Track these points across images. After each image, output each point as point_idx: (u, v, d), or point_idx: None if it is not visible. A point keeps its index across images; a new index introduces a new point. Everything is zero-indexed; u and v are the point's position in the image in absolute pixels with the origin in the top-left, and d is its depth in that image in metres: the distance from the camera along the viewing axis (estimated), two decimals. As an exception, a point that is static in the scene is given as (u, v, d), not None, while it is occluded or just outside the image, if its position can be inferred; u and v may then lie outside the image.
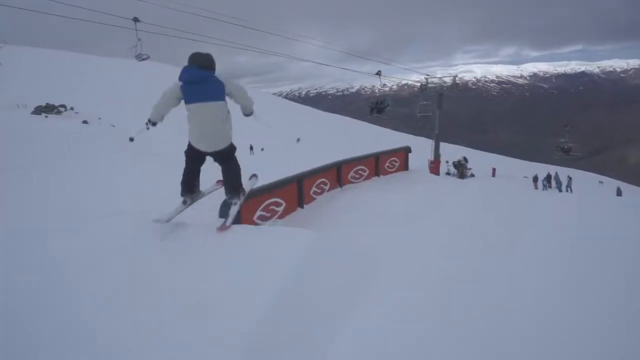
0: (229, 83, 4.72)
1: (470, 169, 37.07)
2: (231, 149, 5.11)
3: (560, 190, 32.36)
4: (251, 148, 45.22)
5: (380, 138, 67.18)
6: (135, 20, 17.07)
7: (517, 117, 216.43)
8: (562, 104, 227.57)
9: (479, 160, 43.42)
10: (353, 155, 12.74)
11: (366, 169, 12.89)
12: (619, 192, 31.02)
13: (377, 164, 13.25)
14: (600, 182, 46.25)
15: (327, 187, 10.90)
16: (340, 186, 11.55)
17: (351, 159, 12.25)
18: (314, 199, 10.22)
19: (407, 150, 14.96)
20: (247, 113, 5.20)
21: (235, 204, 5.19)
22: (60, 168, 10.64)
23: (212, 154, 4.91)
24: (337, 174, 11.58)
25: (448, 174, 37.38)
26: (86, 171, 10.51)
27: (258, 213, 7.78)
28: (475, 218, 7.50)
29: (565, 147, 36.44)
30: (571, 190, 32.80)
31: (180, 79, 4.56)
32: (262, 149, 43.69)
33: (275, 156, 38.14)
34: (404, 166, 14.77)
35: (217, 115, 4.71)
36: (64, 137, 19.89)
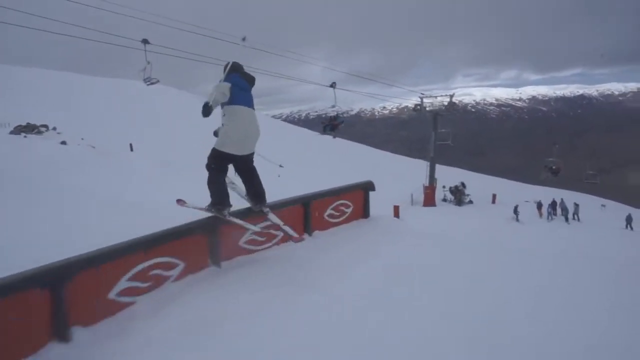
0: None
1: (468, 195, 35.82)
2: (252, 155, 5.54)
3: (566, 219, 30.78)
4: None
5: (377, 160, 66.09)
6: (145, 42, 16.14)
7: (516, 139, 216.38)
8: (560, 126, 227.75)
9: (478, 184, 42.13)
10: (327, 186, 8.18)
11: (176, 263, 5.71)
12: (629, 221, 29.52)
13: (306, 215, 6.99)
14: (603, 205, 45.57)
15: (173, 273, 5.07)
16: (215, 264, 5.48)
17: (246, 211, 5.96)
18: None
19: (366, 187, 8.45)
20: None
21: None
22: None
23: (242, 157, 5.30)
24: (209, 246, 5.46)
25: (445, 200, 36.13)
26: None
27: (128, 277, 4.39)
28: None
29: (554, 167, 34.57)
30: (579, 219, 31.21)
31: (230, 81, 5.16)
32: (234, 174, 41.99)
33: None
34: (361, 212, 8.32)
35: (257, 121, 5.39)
36: (31, 160, 18.73)
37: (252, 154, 5.42)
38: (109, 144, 36.38)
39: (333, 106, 22.35)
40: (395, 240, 7.04)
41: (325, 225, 7.30)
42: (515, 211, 30.49)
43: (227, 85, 5.09)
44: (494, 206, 35.71)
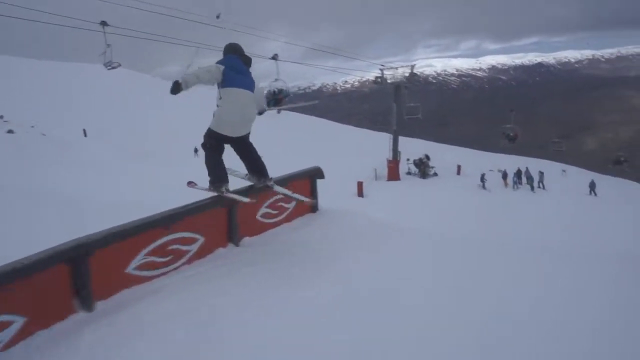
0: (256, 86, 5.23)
1: (432, 167, 35.07)
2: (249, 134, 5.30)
3: (532, 188, 30.56)
4: (196, 151, 41.96)
5: (340, 135, 64.94)
6: (103, 24, 15.66)
7: (477, 109, 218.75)
8: (520, 95, 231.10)
9: (442, 155, 41.46)
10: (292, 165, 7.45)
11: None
12: (592, 187, 29.59)
13: (230, 218, 5.31)
14: (564, 170, 46.08)
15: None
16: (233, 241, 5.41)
17: (145, 224, 4.47)
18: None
19: (313, 175, 6.73)
20: (260, 112, 5.47)
21: (272, 184, 5.47)
22: None
23: (237, 138, 5.14)
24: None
25: (409, 173, 35.28)
26: None
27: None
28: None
29: (511, 134, 33.97)
30: (544, 187, 31.09)
31: (224, 63, 5.00)
32: (196, 150, 40.42)
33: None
34: (308, 206, 6.54)
35: (253, 103, 5.17)
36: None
37: (248, 133, 5.26)
38: (63, 131, 34.85)
39: (276, 79, 21.19)
40: (352, 247, 5.30)
41: (257, 229, 5.71)
42: (482, 179, 30.14)
43: (218, 67, 4.91)
44: (459, 177, 35.16)
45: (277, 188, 5.53)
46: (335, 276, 4.46)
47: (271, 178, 5.44)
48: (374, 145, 43.68)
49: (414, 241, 5.88)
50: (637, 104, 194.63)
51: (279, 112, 25.34)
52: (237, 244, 5.32)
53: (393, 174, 33.72)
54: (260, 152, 5.40)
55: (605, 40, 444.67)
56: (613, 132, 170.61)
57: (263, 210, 5.81)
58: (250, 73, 5.17)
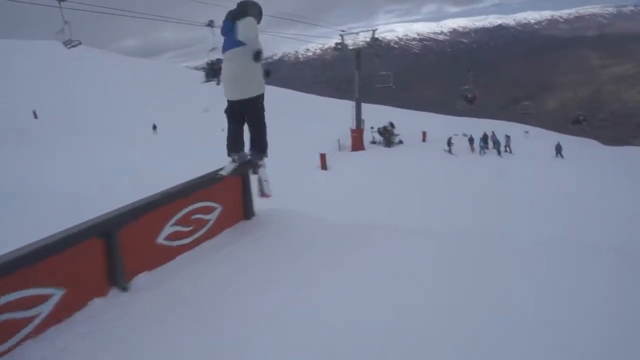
0: (237, 24, 4.60)
1: (397, 134, 34.13)
2: (255, 102, 4.89)
3: (499, 152, 30.11)
4: (154, 127, 40.12)
5: (303, 104, 63.38)
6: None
7: (440, 73, 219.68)
8: (481, 57, 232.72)
9: (407, 121, 40.65)
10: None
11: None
12: (558, 149, 29.42)
13: (111, 254, 3.70)
14: (526, 132, 46.28)
15: None
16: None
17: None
18: None
19: (244, 171, 5.21)
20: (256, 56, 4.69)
21: (262, 165, 5.20)
22: None
23: (236, 103, 4.87)
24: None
25: (374, 142, 34.27)
26: None
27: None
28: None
29: (469, 95, 33.17)
30: (510, 151, 30.70)
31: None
32: (155, 127, 38.63)
33: (180, 137, 33.42)
34: (239, 211, 5.26)
35: (236, 63, 4.74)
36: None
37: (250, 99, 4.82)
38: (9, 113, 33.26)
39: (212, 49, 19.82)
40: (298, 274, 3.95)
41: (160, 258, 4.16)
42: (449, 144, 29.57)
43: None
44: (424, 144, 34.41)
45: (263, 172, 5.20)
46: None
47: (262, 158, 5.14)
48: (338, 113, 42.37)
49: (381, 254, 4.48)
50: (595, 64, 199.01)
51: (218, 83, 24.01)
52: (124, 288, 3.75)
53: (357, 144, 32.68)
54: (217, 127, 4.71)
55: (564, 1, 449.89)
56: (572, 92, 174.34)
57: (168, 229, 4.28)
58: (234, 27, 4.60)
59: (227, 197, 5.00)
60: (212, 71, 22.52)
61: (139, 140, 32.84)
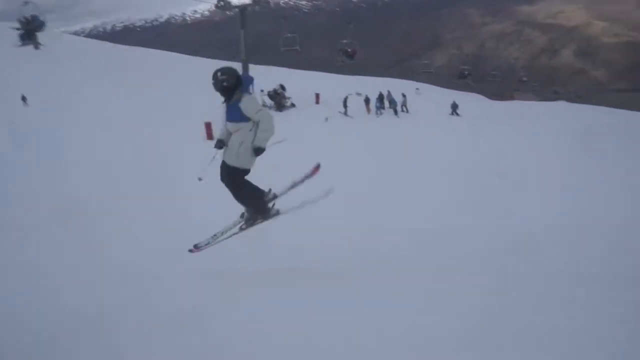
0: (243, 100, 5.03)
1: (289, 98, 32.08)
2: (240, 173, 5.24)
3: (395, 112, 29.30)
4: (24, 99, 34.37)
5: (190, 69, 58.97)
6: None
7: (330, 32, 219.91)
8: (370, 16, 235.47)
9: (300, 82, 38.61)
10: None
11: None
12: (454, 108, 29.33)
13: None
14: (417, 89, 46.43)
15: None
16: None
17: None
18: None
19: None
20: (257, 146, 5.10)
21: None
22: None
23: (226, 169, 5.30)
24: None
25: (264, 106, 32.02)
26: None
27: None
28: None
29: (349, 50, 31.88)
30: (407, 111, 30.07)
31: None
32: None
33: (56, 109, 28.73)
34: None
35: (240, 134, 5.08)
36: None
37: (233, 168, 5.19)
38: None
39: (25, 2, 17.01)
40: None
41: None
42: (345, 104, 28.21)
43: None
44: (318, 106, 32.74)
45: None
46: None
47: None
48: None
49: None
50: (478, 21, 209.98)
51: (37, 48, 20.85)
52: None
53: (247, 109, 30.26)
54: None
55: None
56: (457, 48, 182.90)
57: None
58: (235, 102, 5.10)
59: None
60: (27, 32, 18.90)
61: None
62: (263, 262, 6.16)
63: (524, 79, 62.60)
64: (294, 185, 5.60)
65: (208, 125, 24.29)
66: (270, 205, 5.44)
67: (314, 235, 7.45)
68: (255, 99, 5.14)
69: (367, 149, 19.69)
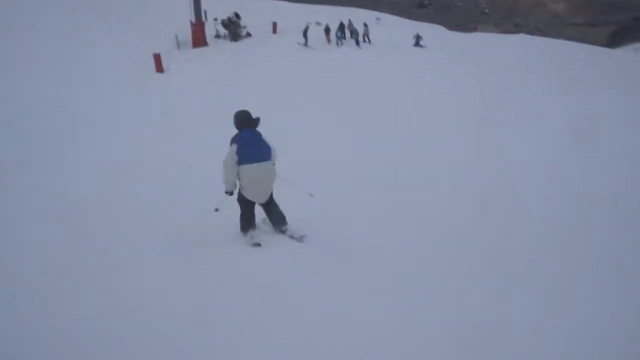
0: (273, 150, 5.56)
1: (245, 26, 30.06)
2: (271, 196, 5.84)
3: (357, 43, 28.04)
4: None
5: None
6: None
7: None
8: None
9: (255, 10, 36.32)
10: None
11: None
12: (417, 39, 28.38)
13: None
14: (378, 18, 45.12)
15: None
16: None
17: None
18: None
19: None
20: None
21: (285, 230, 5.96)
22: None
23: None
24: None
25: (218, 36, 29.86)
26: None
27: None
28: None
29: None
30: (369, 41, 28.82)
31: (237, 142, 5.28)
32: None
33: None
34: None
35: (268, 171, 5.52)
36: None
37: (271, 194, 5.75)
38: None
39: None
40: None
41: None
42: (305, 35, 26.83)
43: (232, 153, 5.25)
44: (276, 36, 30.99)
45: (290, 232, 5.91)
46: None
47: (287, 222, 5.97)
48: (175, 5, 36.45)
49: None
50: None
51: None
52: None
53: (199, 39, 28.19)
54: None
55: None
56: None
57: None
58: (261, 139, 5.40)
59: None
60: None
61: None
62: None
63: (486, 10, 61.82)
64: (282, 232, 5.98)
65: (157, 57, 22.67)
66: (248, 233, 5.76)
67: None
68: (228, 151, 5.32)
69: (333, 84, 18.76)
